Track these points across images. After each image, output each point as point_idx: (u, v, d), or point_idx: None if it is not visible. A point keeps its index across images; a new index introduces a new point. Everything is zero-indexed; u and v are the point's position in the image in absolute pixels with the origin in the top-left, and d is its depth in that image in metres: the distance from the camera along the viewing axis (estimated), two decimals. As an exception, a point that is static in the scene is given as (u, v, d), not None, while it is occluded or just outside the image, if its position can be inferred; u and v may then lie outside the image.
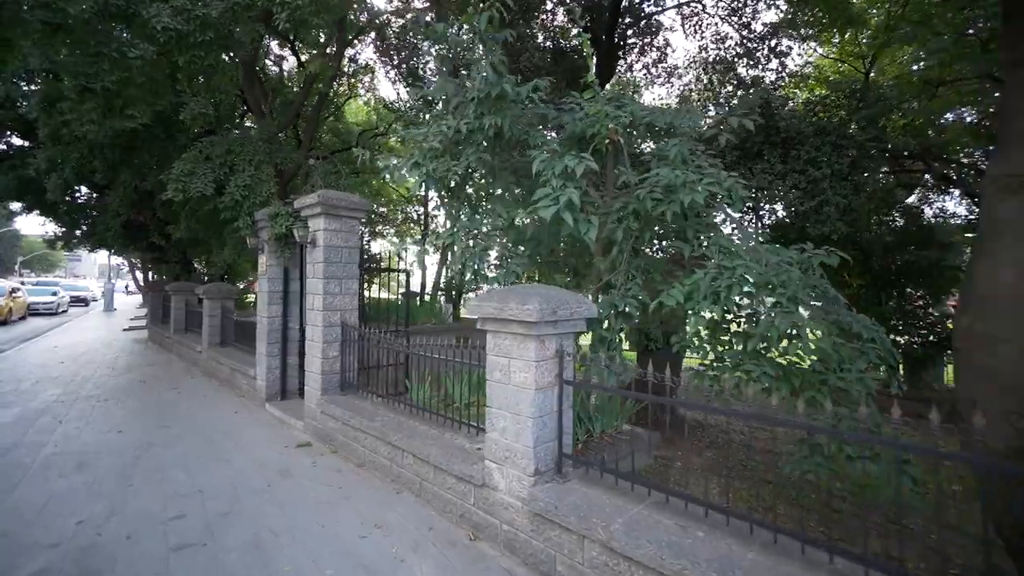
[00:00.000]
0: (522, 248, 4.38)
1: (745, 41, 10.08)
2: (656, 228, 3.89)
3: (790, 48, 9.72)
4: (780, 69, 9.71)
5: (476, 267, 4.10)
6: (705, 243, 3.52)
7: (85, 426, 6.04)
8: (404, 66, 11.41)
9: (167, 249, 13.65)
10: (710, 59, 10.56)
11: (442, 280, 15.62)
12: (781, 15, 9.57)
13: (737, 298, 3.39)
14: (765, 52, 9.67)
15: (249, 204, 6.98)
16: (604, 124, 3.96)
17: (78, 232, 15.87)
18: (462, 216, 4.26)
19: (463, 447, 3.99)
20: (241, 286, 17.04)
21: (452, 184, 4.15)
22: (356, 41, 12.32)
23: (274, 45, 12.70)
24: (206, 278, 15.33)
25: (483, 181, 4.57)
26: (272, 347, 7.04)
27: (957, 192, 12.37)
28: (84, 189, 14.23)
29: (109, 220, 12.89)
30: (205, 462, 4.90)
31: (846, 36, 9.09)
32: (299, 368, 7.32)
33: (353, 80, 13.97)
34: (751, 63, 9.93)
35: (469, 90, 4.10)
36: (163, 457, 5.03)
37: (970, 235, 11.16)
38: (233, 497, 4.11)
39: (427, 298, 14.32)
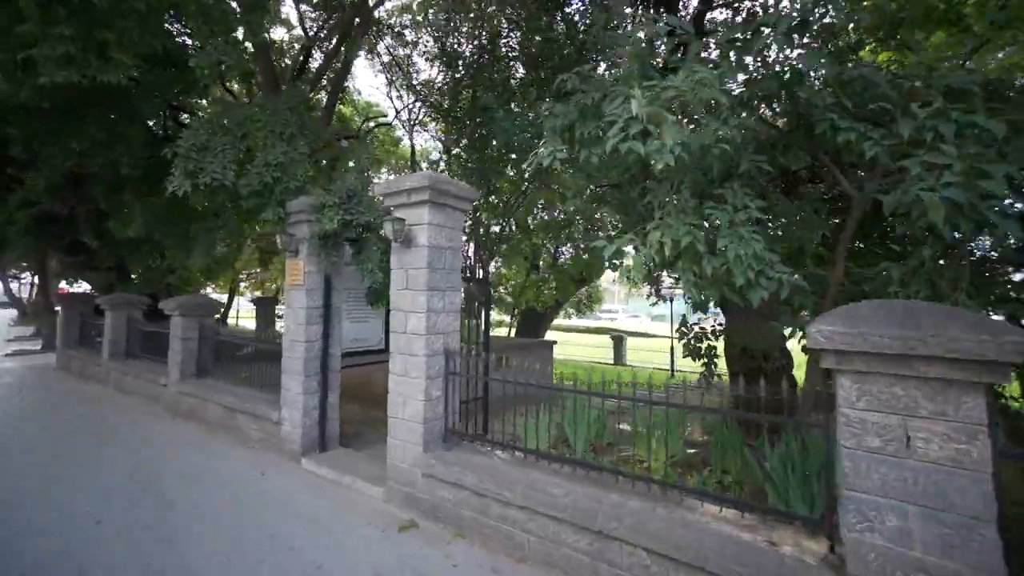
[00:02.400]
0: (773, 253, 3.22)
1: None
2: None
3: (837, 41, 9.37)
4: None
5: (757, 271, 2.87)
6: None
7: (19, 510, 3.88)
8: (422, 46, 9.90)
9: (96, 252, 10.66)
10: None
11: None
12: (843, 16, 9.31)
13: None
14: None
15: (281, 189, 5.16)
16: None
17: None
18: (717, 211, 3.02)
19: (756, 546, 2.70)
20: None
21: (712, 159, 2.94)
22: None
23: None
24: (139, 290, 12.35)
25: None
26: (310, 381, 5.21)
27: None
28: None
29: (13, 211, 9.81)
30: (280, 573, 3.13)
31: (931, 38, 8.85)
32: (339, 408, 5.55)
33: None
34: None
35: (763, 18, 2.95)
36: (201, 567, 3.17)
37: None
38: (384, 649, 2.48)
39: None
